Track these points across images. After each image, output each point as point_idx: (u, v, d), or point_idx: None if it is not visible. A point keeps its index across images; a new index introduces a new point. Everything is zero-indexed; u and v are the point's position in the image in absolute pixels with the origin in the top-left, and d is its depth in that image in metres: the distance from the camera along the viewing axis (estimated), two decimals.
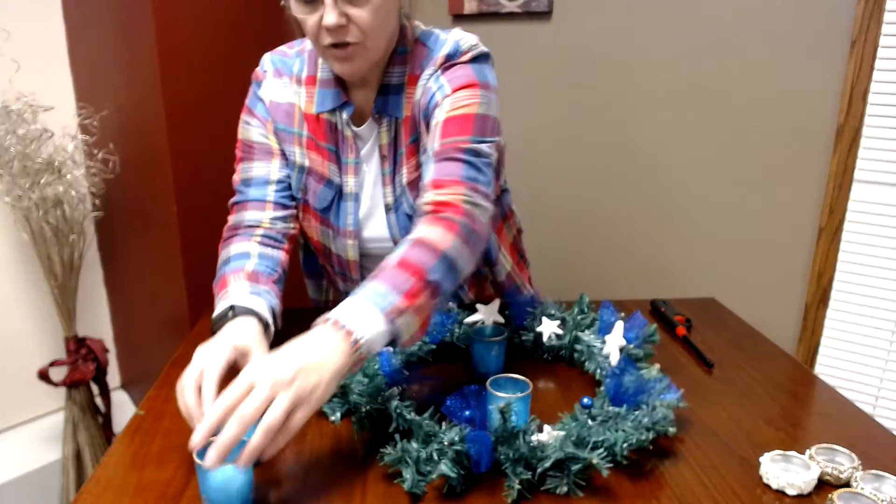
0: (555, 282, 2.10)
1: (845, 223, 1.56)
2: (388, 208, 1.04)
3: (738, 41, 1.67)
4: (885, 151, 1.48)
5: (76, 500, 0.71)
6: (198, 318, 1.18)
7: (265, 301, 0.91)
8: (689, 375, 0.99)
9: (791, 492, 0.71)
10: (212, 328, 0.86)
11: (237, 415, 0.64)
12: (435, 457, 0.71)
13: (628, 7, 1.80)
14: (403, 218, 1.03)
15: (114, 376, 2.18)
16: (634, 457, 0.78)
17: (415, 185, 1.00)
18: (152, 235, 1.79)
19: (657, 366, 0.89)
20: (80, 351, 1.84)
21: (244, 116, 1.06)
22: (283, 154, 1.05)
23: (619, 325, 0.95)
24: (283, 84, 1.03)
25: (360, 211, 1.05)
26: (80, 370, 1.82)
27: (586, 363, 0.97)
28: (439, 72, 0.96)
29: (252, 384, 0.66)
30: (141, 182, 1.78)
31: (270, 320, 0.90)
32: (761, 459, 0.75)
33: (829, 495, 0.68)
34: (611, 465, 0.74)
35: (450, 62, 0.95)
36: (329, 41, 0.88)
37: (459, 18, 2.02)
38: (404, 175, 1.01)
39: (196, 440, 0.64)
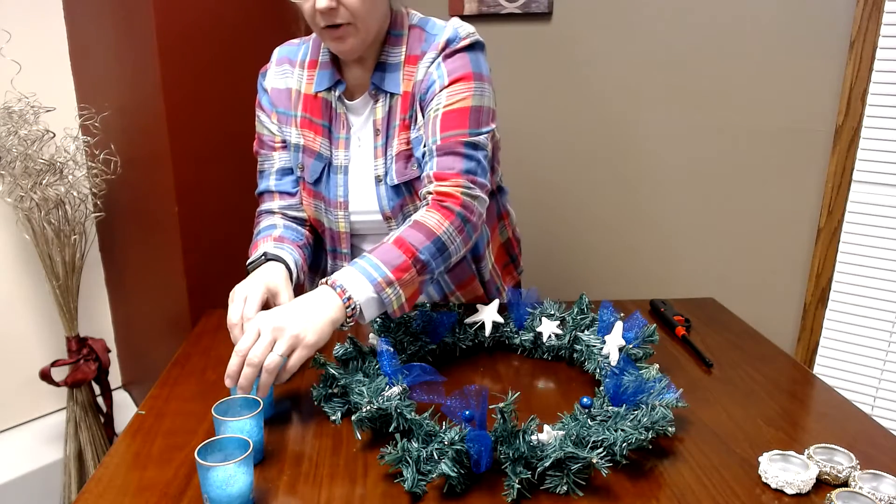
0: (555, 282, 2.10)
1: (844, 223, 1.56)
2: (378, 180, 1.08)
3: (738, 42, 1.67)
4: (884, 152, 1.48)
5: (78, 499, 0.72)
6: (198, 317, 1.19)
7: (291, 255, 1.05)
8: (688, 375, 0.99)
9: (790, 491, 0.72)
10: (246, 271, 1.02)
11: (248, 360, 0.78)
12: (435, 456, 0.71)
13: (628, 8, 1.80)
14: (390, 189, 1.07)
15: (115, 376, 2.19)
16: (634, 456, 0.78)
17: (402, 156, 1.06)
18: (153, 236, 1.79)
19: (656, 366, 0.89)
20: (82, 351, 1.84)
21: (256, 110, 1.17)
22: (286, 144, 1.14)
23: (619, 325, 0.96)
24: (284, 71, 1.13)
25: (350, 183, 1.10)
26: (82, 370, 1.83)
27: (586, 363, 0.97)
28: (440, 58, 1.02)
29: (258, 332, 0.80)
30: (142, 183, 1.78)
31: (294, 270, 1.03)
32: (760, 459, 0.76)
33: (828, 495, 0.69)
34: (610, 464, 0.74)
35: (449, 48, 1.02)
36: (323, 23, 0.96)
37: (459, 19, 2.02)
38: (394, 148, 1.06)
39: (232, 381, 0.81)
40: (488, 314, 1.05)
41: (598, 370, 0.94)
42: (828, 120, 1.57)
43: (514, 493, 0.70)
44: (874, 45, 1.44)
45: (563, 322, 1.04)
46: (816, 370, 1.68)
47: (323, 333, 0.82)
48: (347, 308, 0.85)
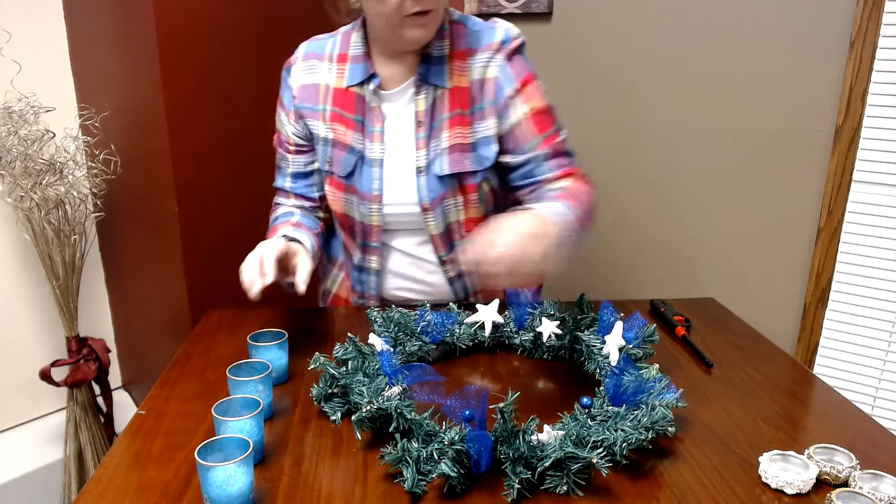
0: (555, 281, 2.10)
1: (844, 223, 1.56)
2: (419, 171, 1.09)
3: (738, 42, 1.67)
4: (884, 152, 1.48)
5: (78, 499, 0.72)
6: (198, 317, 1.19)
7: (308, 240, 1.10)
8: (688, 375, 0.99)
9: (790, 491, 0.72)
10: None
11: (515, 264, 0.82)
12: (435, 456, 0.71)
13: (628, 8, 1.80)
14: (434, 180, 1.09)
15: (115, 376, 2.19)
16: (634, 456, 0.78)
17: (457, 149, 1.08)
18: (153, 236, 1.79)
19: (656, 366, 0.89)
20: (82, 351, 1.84)
21: (277, 107, 1.19)
22: (300, 149, 1.17)
23: (619, 325, 0.96)
24: (312, 66, 1.13)
25: (385, 175, 1.11)
26: (82, 370, 1.83)
27: (586, 363, 0.97)
28: (501, 59, 1.07)
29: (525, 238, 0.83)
30: (142, 183, 1.78)
31: (310, 253, 1.07)
32: (760, 459, 0.76)
33: (828, 495, 0.69)
34: (610, 464, 0.74)
35: (504, 48, 1.08)
36: (417, 8, 0.98)
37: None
38: (444, 140, 1.08)
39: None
40: (488, 314, 1.05)
41: (598, 370, 0.94)
42: (828, 120, 1.57)
43: (514, 493, 0.70)
44: (874, 44, 1.44)
45: (563, 322, 1.04)
46: (816, 370, 1.68)
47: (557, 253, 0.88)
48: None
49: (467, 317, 1.06)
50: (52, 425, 1.99)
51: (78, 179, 1.72)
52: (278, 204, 1.24)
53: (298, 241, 1.08)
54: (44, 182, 1.64)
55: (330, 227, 1.26)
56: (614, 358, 0.92)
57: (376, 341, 0.93)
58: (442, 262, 1.15)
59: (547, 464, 0.71)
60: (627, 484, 0.74)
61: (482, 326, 1.04)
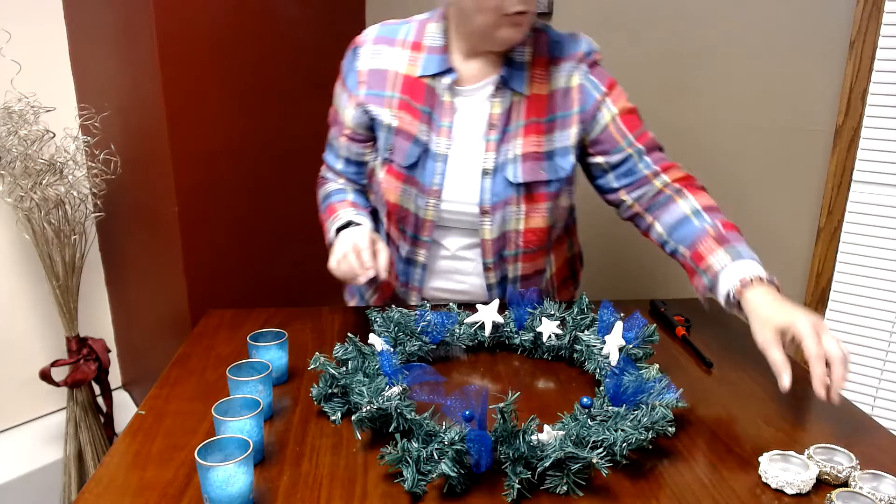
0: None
1: (844, 224, 1.56)
2: (485, 172, 1.08)
3: (737, 41, 1.67)
4: (884, 152, 1.48)
5: (78, 499, 0.72)
6: (198, 317, 1.19)
7: (369, 222, 1.12)
8: (688, 375, 0.99)
9: (790, 491, 0.72)
10: (334, 236, 1.08)
11: (839, 358, 0.81)
12: (435, 456, 0.71)
13: (627, 8, 1.80)
14: (500, 184, 1.07)
15: (115, 376, 2.19)
16: (634, 456, 0.78)
17: (531, 157, 1.07)
18: (153, 236, 1.79)
19: (656, 366, 0.89)
20: (82, 351, 1.84)
21: (337, 83, 1.17)
22: (354, 137, 1.16)
23: (619, 326, 0.96)
24: (383, 51, 1.11)
25: (448, 172, 1.09)
26: (82, 370, 1.83)
27: (586, 363, 0.97)
28: (586, 68, 1.09)
29: (818, 330, 0.83)
30: (142, 183, 1.78)
31: None
32: (760, 459, 0.76)
33: (828, 494, 0.69)
34: (610, 464, 0.74)
35: (588, 59, 1.09)
36: (518, 8, 0.97)
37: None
38: (519, 146, 1.07)
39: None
40: (488, 314, 1.05)
41: (598, 370, 0.94)
42: (828, 120, 1.57)
43: (514, 494, 0.70)
44: (874, 44, 1.44)
45: (563, 322, 1.04)
46: None
47: None
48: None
49: (467, 317, 1.06)
50: (52, 425, 1.99)
51: (78, 179, 1.72)
52: (327, 179, 1.24)
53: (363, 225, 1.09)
54: (44, 182, 1.64)
55: (372, 212, 1.24)
56: (614, 358, 0.92)
57: (376, 341, 0.93)
58: (486, 269, 1.13)
59: (547, 464, 0.71)
60: (627, 484, 0.74)
61: (482, 326, 1.04)
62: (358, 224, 1.08)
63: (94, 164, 1.76)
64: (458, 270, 1.16)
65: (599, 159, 1.11)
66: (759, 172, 1.73)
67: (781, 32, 1.61)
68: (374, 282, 1.07)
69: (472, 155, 1.09)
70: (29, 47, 1.80)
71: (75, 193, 1.72)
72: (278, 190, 1.90)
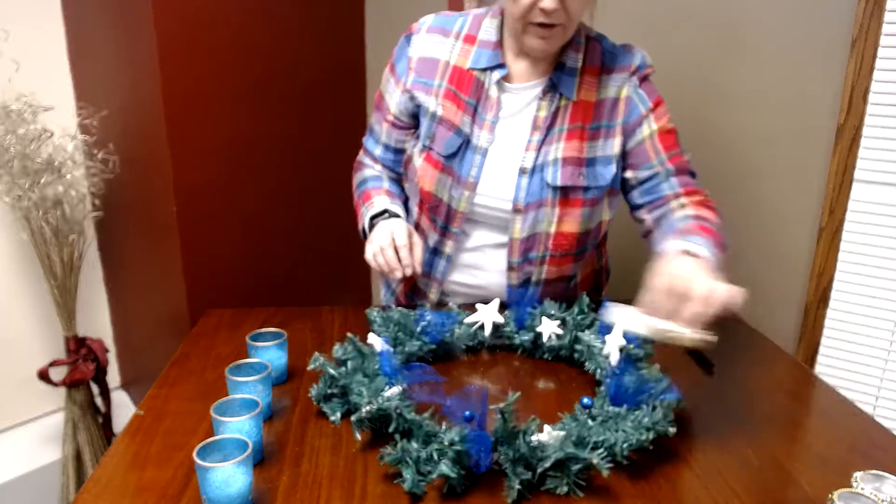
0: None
1: (846, 223, 1.55)
2: (522, 171, 1.08)
3: (738, 41, 1.67)
4: (886, 151, 1.48)
5: (76, 500, 0.71)
6: (197, 317, 1.18)
7: (403, 212, 1.14)
8: (689, 375, 0.99)
9: None
10: (370, 224, 1.11)
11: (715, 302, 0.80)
12: (435, 457, 0.71)
13: (627, 8, 1.80)
14: (538, 184, 1.07)
15: (114, 376, 2.18)
16: (634, 457, 0.78)
17: (571, 161, 1.07)
18: (152, 235, 1.79)
19: (657, 366, 0.89)
20: (80, 351, 1.84)
21: (386, 69, 1.18)
22: (397, 124, 1.17)
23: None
24: (436, 40, 1.11)
25: (486, 166, 1.09)
26: (80, 370, 1.82)
27: (586, 363, 0.97)
28: (636, 82, 1.09)
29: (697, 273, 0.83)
30: (140, 182, 1.78)
31: None
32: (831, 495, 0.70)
33: (829, 495, 0.68)
34: (611, 465, 0.74)
35: (640, 73, 1.10)
36: (540, 20, 0.98)
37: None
38: (560, 149, 1.07)
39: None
40: (488, 314, 1.04)
41: (598, 370, 0.94)
42: (829, 119, 1.56)
43: (514, 494, 0.70)
44: (876, 43, 1.43)
45: (563, 322, 1.04)
46: (818, 370, 1.67)
47: None
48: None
49: (467, 317, 1.05)
50: (50, 426, 1.99)
51: (76, 179, 1.71)
52: (364, 164, 1.25)
53: (400, 216, 1.12)
54: (42, 181, 1.63)
55: (405, 201, 1.25)
56: (615, 358, 0.91)
57: (376, 341, 0.93)
58: (510, 268, 1.12)
59: (547, 464, 0.70)
60: (628, 484, 0.73)
61: (482, 326, 1.04)
62: (394, 214, 1.11)
63: (92, 164, 1.76)
64: (481, 267, 1.15)
65: (629, 174, 1.11)
66: (760, 171, 1.73)
67: (783, 31, 1.61)
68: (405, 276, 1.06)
69: (512, 152, 1.08)
70: (27, 46, 1.79)
71: (73, 193, 1.71)
72: (278, 189, 1.90)
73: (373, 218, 1.11)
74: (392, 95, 1.15)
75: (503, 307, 1.08)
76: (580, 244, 1.12)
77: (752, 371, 1.00)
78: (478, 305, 1.06)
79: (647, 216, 1.12)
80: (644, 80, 1.10)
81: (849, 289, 1.58)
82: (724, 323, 1.04)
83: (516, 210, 1.08)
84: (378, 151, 1.21)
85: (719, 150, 1.78)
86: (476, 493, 0.72)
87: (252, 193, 1.83)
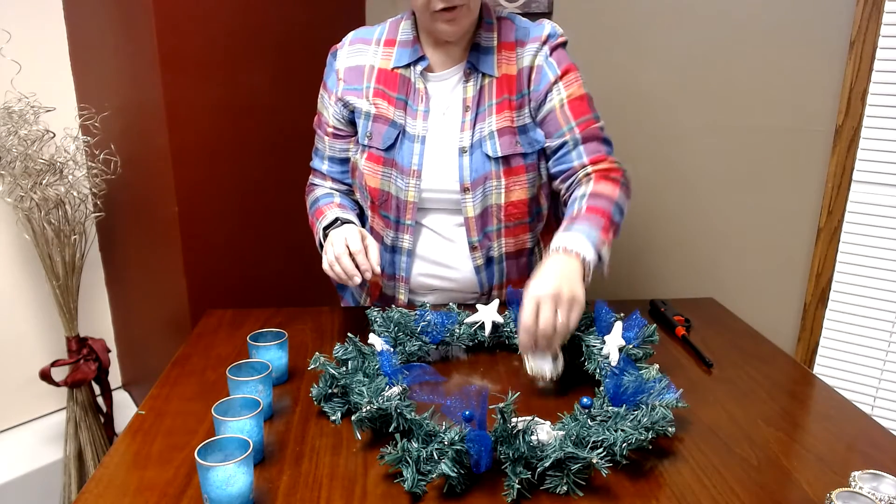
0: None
1: (844, 223, 1.56)
2: (462, 150, 1.12)
3: (738, 42, 1.67)
4: (884, 152, 1.48)
5: (78, 499, 0.72)
6: (199, 317, 1.19)
7: (357, 221, 1.16)
8: (688, 375, 0.99)
9: None
10: (323, 233, 1.12)
11: (542, 331, 0.88)
12: (435, 457, 0.71)
13: (627, 8, 1.80)
14: (480, 160, 1.12)
15: (115, 376, 2.18)
16: (634, 456, 0.78)
17: (507, 132, 1.12)
18: (153, 236, 1.79)
19: (656, 366, 0.89)
20: (82, 351, 1.84)
21: (321, 90, 1.23)
22: (338, 133, 1.21)
23: (619, 326, 0.96)
24: (358, 50, 1.18)
25: (426, 153, 1.13)
26: (82, 370, 1.83)
27: (586, 363, 0.97)
28: (547, 50, 1.13)
29: (536, 305, 0.88)
30: (142, 183, 1.78)
31: None
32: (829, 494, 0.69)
33: (828, 494, 0.69)
34: (610, 464, 0.74)
35: (551, 41, 1.14)
36: (442, 5, 1.03)
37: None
38: (493, 122, 1.12)
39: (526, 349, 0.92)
40: (488, 314, 1.05)
41: (598, 370, 0.94)
42: (828, 120, 1.57)
43: (514, 494, 0.70)
44: (874, 44, 1.44)
45: None
46: (816, 370, 1.68)
47: (583, 290, 0.91)
48: (584, 269, 0.94)
49: (467, 317, 1.05)
50: (52, 425, 1.99)
51: (78, 179, 1.72)
52: (315, 185, 1.28)
53: (353, 223, 1.12)
54: (44, 182, 1.64)
55: (359, 215, 1.27)
56: (614, 358, 0.92)
57: (376, 341, 0.93)
58: (472, 248, 1.15)
59: (547, 464, 0.71)
60: (627, 484, 0.74)
61: (482, 326, 1.04)
62: (346, 221, 1.11)
63: (94, 164, 1.76)
64: (444, 253, 1.17)
65: (546, 143, 1.15)
66: (759, 172, 1.73)
67: (781, 32, 1.61)
68: (365, 282, 1.08)
69: (448, 136, 1.13)
70: (29, 47, 1.80)
71: (75, 193, 1.72)
72: (279, 190, 1.90)
73: (325, 229, 1.12)
74: (328, 109, 1.20)
75: (503, 307, 1.08)
76: (530, 211, 1.16)
77: (751, 371, 1.00)
78: (478, 306, 1.06)
79: (562, 186, 1.15)
80: (555, 49, 1.14)
81: (847, 289, 1.58)
82: (725, 321, 1.04)
83: (464, 189, 1.12)
84: (325, 167, 1.25)
85: (719, 150, 1.78)
86: (476, 493, 0.72)
87: (254, 194, 1.83)
